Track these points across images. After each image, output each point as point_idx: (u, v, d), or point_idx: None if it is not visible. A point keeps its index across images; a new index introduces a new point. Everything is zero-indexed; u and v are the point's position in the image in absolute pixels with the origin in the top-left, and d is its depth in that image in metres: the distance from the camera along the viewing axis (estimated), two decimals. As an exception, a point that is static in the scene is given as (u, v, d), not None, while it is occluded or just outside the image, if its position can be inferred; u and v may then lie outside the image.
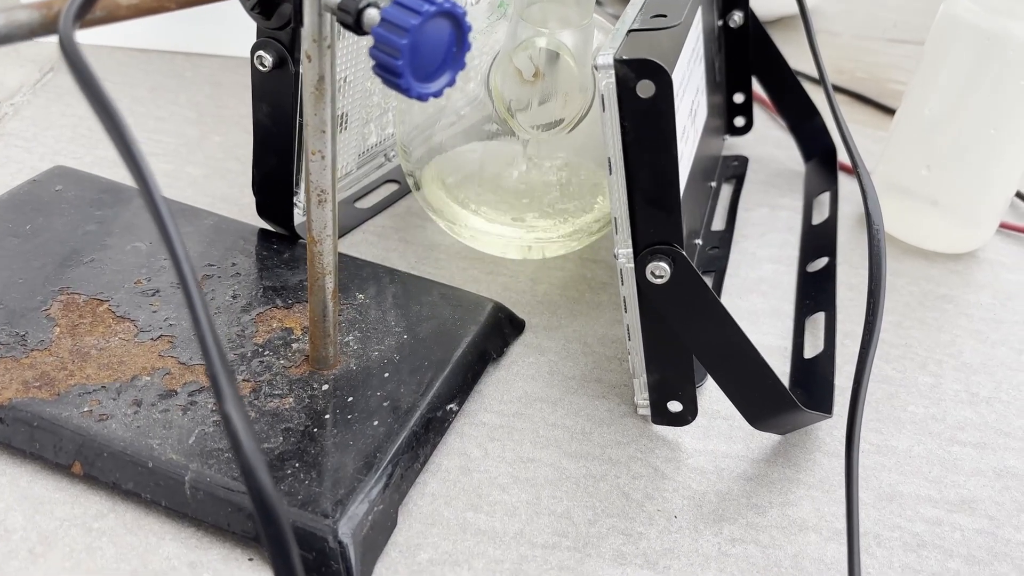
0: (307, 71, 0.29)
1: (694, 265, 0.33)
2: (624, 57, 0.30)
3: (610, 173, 0.32)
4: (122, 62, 0.61)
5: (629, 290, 0.34)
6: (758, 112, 0.62)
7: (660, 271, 0.33)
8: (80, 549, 0.30)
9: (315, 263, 0.33)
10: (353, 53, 0.41)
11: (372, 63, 0.25)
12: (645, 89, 0.30)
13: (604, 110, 0.31)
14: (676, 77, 0.32)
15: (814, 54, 0.49)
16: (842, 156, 0.57)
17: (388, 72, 0.25)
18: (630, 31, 0.32)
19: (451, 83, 0.26)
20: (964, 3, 0.45)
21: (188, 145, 0.53)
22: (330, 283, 0.33)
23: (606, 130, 0.32)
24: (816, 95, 0.57)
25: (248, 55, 0.38)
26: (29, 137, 0.52)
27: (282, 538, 0.20)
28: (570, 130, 0.39)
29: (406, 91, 0.25)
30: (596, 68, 0.30)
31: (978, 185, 0.48)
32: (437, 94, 0.26)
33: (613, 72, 0.30)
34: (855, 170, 0.39)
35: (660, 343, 0.35)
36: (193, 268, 0.21)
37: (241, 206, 0.47)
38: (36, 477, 0.32)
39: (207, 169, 0.51)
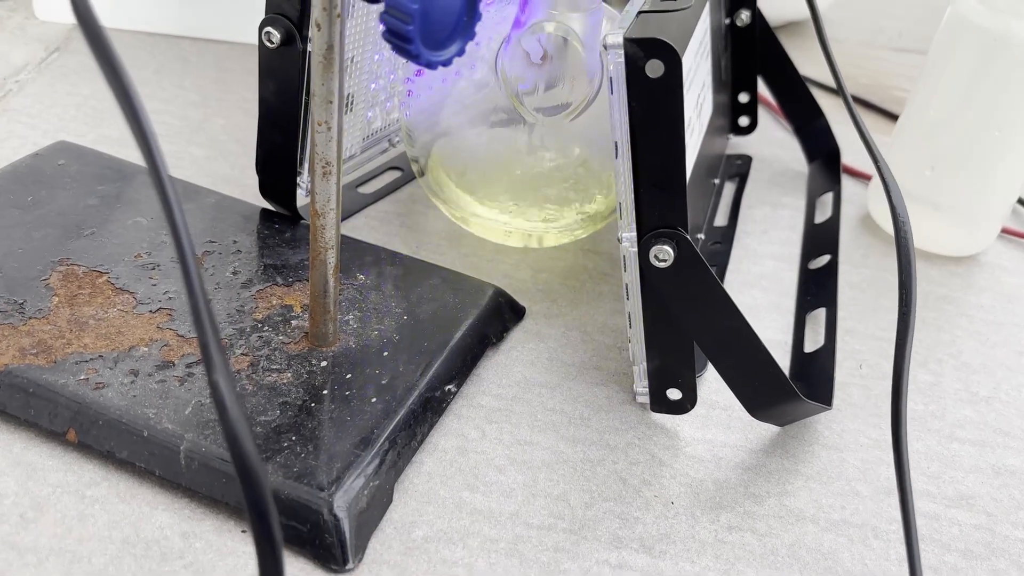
0: (316, 40, 0.29)
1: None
2: (634, 36, 0.30)
3: (616, 156, 0.32)
4: (127, 44, 0.61)
5: (632, 276, 0.34)
6: (762, 114, 0.62)
7: (664, 255, 0.33)
8: (72, 516, 0.30)
9: (317, 237, 0.33)
10: (361, 33, 0.41)
11: (381, 28, 0.25)
12: (654, 69, 0.30)
13: (612, 92, 0.31)
14: (685, 63, 0.32)
15: (826, 54, 0.49)
16: (847, 158, 0.57)
17: (398, 38, 0.25)
18: (640, 12, 0.32)
19: (461, 52, 0.26)
20: (970, 3, 0.45)
21: (191, 127, 0.53)
22: (332, 258, 0.33)
23: (613, 112, 0.32)
24: (820, 99, 0.57)
25: (255, 41, 0.38)
26: (33, 114, 0.52)
27: (262, 503, 0.20)
28: (575, 116, 0.39)
29: (416, 58, 0.25)
30: (606, 47, 0.30)
31: (981, 187, 0.48)
32: (447, 62, 0.26)
33: (623, 51, 0.30)
34: (875, 163, 0.39)
35: (661, 330, 0.35)
36: (188, 230, 0.21)
37: (243, 187, 0.47)
38: (30, 444, 0.32)
39: (210, 150, 0.51)
